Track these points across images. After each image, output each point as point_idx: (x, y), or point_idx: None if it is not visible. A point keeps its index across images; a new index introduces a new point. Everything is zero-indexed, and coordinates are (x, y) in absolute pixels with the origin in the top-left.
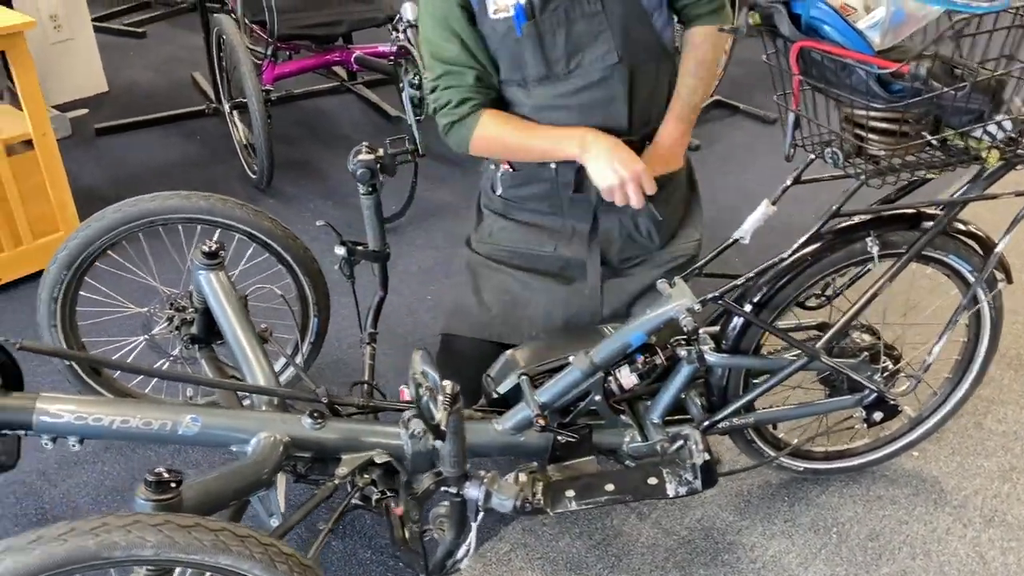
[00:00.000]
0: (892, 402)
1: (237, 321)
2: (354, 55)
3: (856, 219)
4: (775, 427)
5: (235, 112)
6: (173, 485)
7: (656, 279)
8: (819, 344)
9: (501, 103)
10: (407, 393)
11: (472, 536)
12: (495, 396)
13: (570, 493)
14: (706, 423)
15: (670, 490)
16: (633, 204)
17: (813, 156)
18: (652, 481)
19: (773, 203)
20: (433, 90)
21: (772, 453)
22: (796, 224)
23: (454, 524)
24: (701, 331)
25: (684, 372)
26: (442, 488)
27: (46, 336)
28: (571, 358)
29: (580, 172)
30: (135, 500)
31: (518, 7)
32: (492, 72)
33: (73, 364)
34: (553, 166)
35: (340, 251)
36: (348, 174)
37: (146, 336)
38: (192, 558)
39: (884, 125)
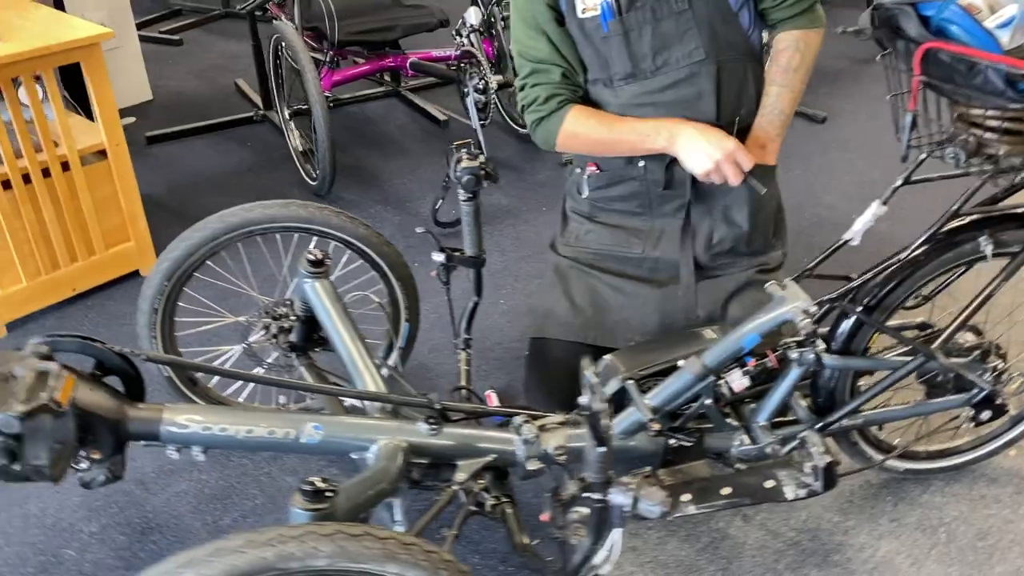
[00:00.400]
0: (1001, 401)
1: (344, 328)
2: (409, 60)
3: (969, 219)
4: (880, 428)
5: (293, 119)
6: (328, 495)
7: (750, 279)
8: (935, 344)
9: (588, 103)
10: (494, 398)
11: (618, 543)
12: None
13: (686, 497)
14: (819, 425)
15: (788, 493)
16: (731, 181)
17: (925, 156)
18: (769, 484)
19: (884, 203)
20: (522, 88)
21: (875, 454)
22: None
23: (594, 529)
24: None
25: (794, 374)
26: (585, 494)
27: (145, 345)
28: (680, 362)
29: (670, 169)
30: (291, 510)
31: (605, 5)
32: (579, 71)
33: (172, 375)
34: (641, 164)
35: (439, 257)
36: (403, 179)
37: (244, 344)
38: (362, 567)
39: (1006, 124)
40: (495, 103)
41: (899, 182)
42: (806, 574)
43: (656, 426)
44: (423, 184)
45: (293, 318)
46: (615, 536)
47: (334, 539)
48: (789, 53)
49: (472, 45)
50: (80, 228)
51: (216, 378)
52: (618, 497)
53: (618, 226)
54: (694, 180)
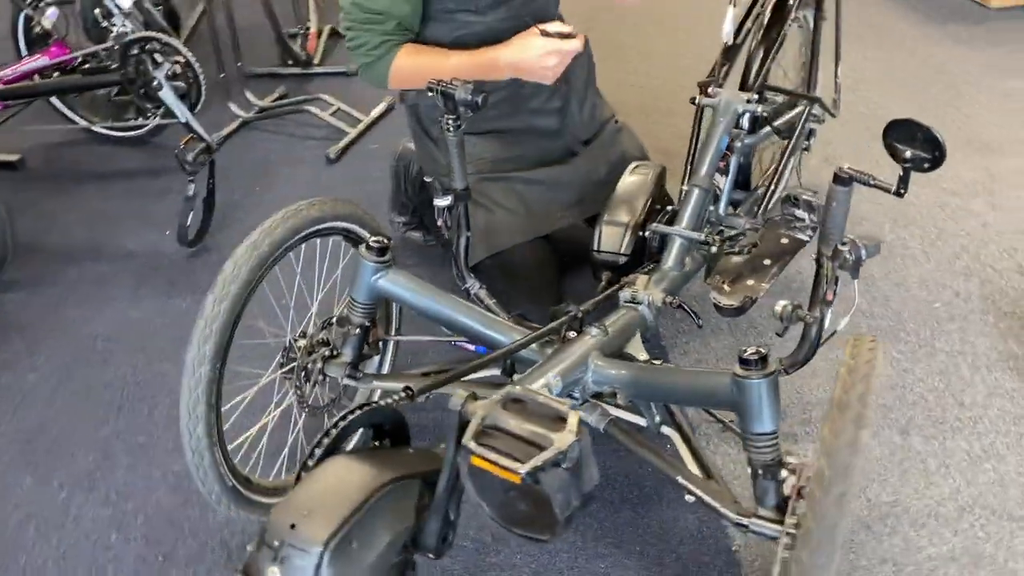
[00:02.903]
0: None
1: (452, 298)
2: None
3: None
4: None
5: None
6: None
7: (617, 126)
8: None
9: (446, 31)
10: None
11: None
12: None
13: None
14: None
15: (803, 236)
16: (574, 50)
17: None
18: (784, 240)
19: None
20: (349, 29)
21: None
22: None
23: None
24: None
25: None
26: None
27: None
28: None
29: None
30: None
31: None
32: (416, 18)
33: None
34: None
35: (445, 201)
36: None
37: (302, 406)
38: None
39: None
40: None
41: None
42: None
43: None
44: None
45: (351, 330)
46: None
47: None
48: None
49: (138, 27)
50: None
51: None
52: None
53: (499, 130)
54: None
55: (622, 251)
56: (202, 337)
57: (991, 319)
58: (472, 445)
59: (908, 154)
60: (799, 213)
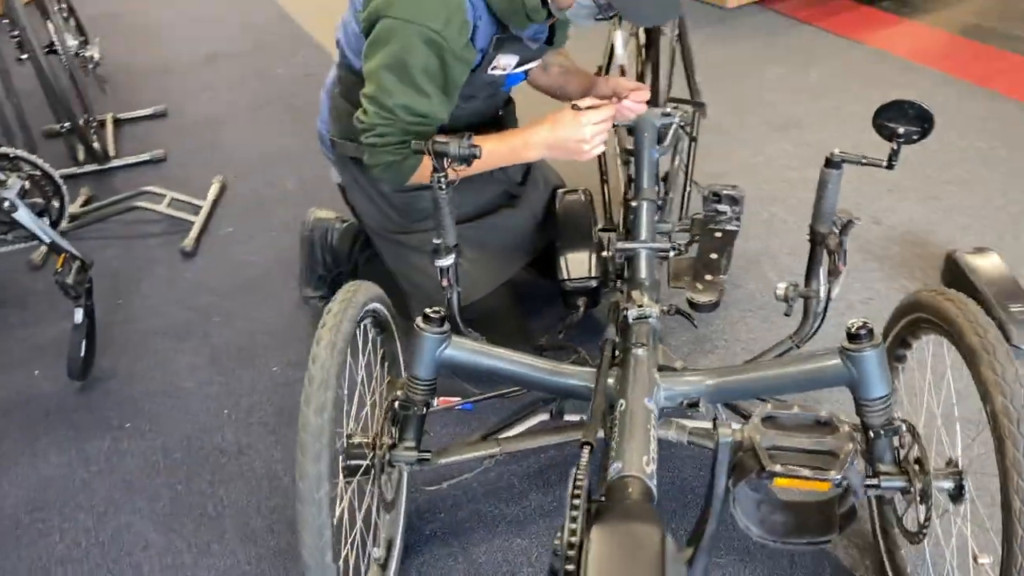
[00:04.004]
0: None
1: (520, 354)
2: None
3: None
4: None
5: None
6: None
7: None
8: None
9: None
10: None
11: None
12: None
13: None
14: None
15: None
16: (608, 120)
17: None
18: None
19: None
20: (374, 127)
21: None
22: None
23: None
24: None
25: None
26: None
27: None
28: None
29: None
30: None
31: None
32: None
33: None
34: None
35: (447, 261)
36: None
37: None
38: None
39: None
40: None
41: None
42: None
43: None
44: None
45: (415, 411)
46: None
47: None
48: None
49: None
50: None
51: None
52: None
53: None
54: None
55: (592, 275)
56: (314, 456)
57: (875, 265)
58: (778, 468)
59: (901, 130)
60: (721, 207)
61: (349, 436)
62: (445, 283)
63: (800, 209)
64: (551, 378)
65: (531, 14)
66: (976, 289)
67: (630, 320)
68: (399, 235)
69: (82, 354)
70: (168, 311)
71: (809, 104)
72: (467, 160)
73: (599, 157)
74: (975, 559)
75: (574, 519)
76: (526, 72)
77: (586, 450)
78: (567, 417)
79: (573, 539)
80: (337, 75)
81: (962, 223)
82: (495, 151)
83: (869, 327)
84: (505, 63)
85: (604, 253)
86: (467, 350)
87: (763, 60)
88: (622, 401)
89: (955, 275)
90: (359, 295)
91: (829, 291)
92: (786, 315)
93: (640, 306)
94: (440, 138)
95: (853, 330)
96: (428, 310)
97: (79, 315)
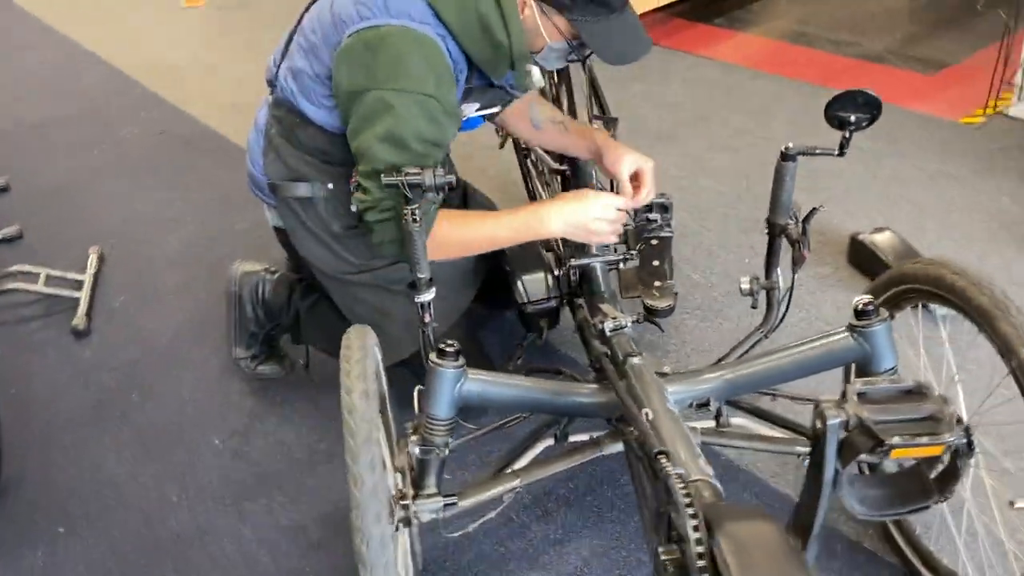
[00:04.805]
0: None
1: (536, 382)
2: None
3: None
4: None
5: None
6: None
7: None
8: None
9: None
10: None
11: None
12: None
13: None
14: None
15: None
16: (626, 210)
17: None
18: None
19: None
20: (377, 203)
21: None
22: None
23: None
24: None
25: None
26: None
27: None
28: None
29: None
30: None
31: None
32: None
33: None
34: None
35: (428, 296)
36: None
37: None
38: None
39: None
40: None
41: None
42: None
43: None
44: None
45: (437, 453)
46: None
47: None
48: None
49: None
50: None
51: None
52: None
53: None
54: None
55: (551, 295)
56: (374, 517)
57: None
58: (896, 440)
59: (852, 118)
60: (652, 216)
61: None
62: (427, 318)
63: (702, 215)
64: (570, 399)
65: (516, 61)
66: (885, 263)
67: (607, 332)
68: (353, 275)
69: None
70: (72, 396)
71: (677, 116)
72: (444, 190)
73: (525, 176)
74: (1011, 504)
75: (696, 528)
76: (483, 117)
77: (663, 459)
78: (572, 439)
79: (700, 548)
80: (272, 115)
81: (849, 209)
82: (511, 224)
83: (876, 303)
84: (466, 109)
85: (556, 272)
86: (486, 382)
87: (623, 78)
88: (647, 411)
89: (863, 255)
90: (367, 338)
91: (792, 279)
92: (753, 307)
93: (614, 318)
94: (412, 169)
95: (860, 307)
96: (442, 344)
97: None
